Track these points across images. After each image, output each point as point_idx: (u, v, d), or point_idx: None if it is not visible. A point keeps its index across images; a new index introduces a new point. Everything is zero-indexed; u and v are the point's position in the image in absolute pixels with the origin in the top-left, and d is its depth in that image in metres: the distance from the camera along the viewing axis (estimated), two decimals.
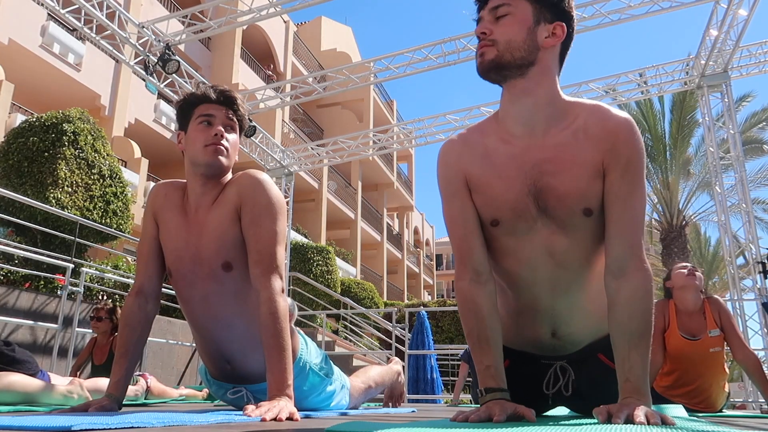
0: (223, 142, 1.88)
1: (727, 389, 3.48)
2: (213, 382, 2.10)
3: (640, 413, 1.15)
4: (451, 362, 12.75)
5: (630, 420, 1.15)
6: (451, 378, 12.22)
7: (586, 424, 1.16)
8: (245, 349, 1.94)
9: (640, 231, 1.43)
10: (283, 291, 1.79)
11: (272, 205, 1.84)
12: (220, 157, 1.87)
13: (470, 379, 6.87)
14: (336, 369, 2.29)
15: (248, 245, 1.83)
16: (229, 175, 1.97)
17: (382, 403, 3.11)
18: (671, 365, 3.35)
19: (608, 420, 1.18)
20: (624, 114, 1.45)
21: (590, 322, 1.61)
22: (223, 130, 1.89)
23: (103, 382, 3.20)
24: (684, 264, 3.45)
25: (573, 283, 1.54)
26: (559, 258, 1.49)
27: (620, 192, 1.41)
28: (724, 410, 3.49)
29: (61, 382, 2.94)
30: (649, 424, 1.12)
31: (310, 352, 2.14)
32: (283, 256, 1.85)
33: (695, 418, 2.25)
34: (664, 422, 1.13)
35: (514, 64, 1.40)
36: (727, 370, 3.46)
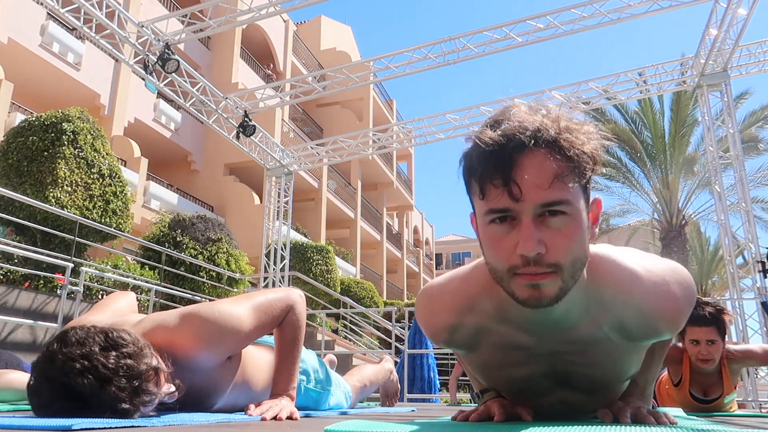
0: None
1: (734, 408, 3.39)
2: None
3: (644, 412, 1.15)
4: (451, 361, 12.76)
5: (637, 419, 1.15)
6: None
7: (591, 424, 1.16)
8: (233, 410, 1.81)
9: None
10: (295, 305, 1.71)
11: (234, 329, 1.52)
12: None
13: (466, 378, 6.87)
14: (334, 378, 2.28)
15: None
16: None
17: (380, 403, 3.11)
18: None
19: (614, 421, 1.18)
20: (674, 301, 1.13)
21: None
22: None
23: None
24: (698, 329, 2.79)
25: (591, 407, 1.37)
26: (577, 406, 1.36)
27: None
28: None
29: None
30: (657, 423, 1.12)
31: (309, 366, 2.13)
32: (268, 296, 1.68)
33: (695, 417, 2.25)
34: (669, 421, 1.14)
35: (573, 285, 1.04)
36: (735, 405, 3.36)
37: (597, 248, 1.16)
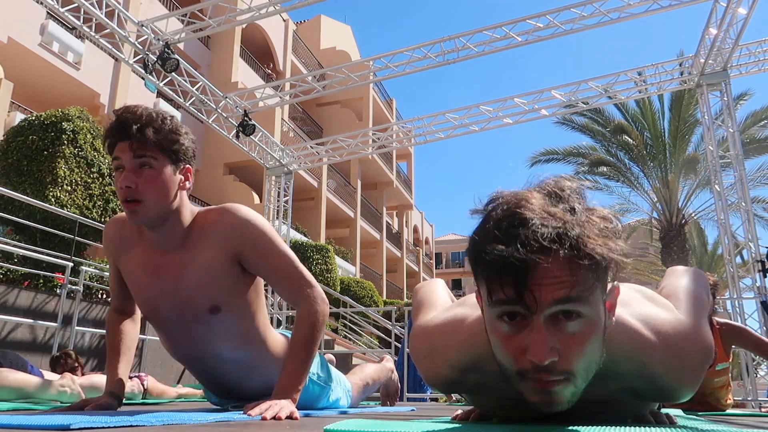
0: (134, 196, 1.60)
1: (731, 400, 3.43)
2: (213, 395, 2.10)
3: (645, 412, 1.15)
4: None
5: (637, 419, 1.15)
6: None
7: (590, 424, 1.16)
8: (242, 376, 1.90)
9: None
10: (323, 298, 1.80)
11: (268, 233, 1.77)
12: (135, 215, 1.63)
13: None
14: (335, 374, 2.28)
15: (271, 277, 1.80)
16: (189, 210, 1.76)
17: (380, 402, 3.11)
18: None
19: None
20: (692, 372, 1.10)
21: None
22: (130, 178, 1.59)
23: (99, 379, 3.20)
24: None
25: None
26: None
27: None
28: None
29: (54, 378, 2.95)
30: (658, 423, 1.12)
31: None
32: (305, 269, 1.81)
33: (694, 416, 2.25)
34: (669, 421, 1.14)
35: (586, 384, 0.99)
36: (731, 386, 3.41)
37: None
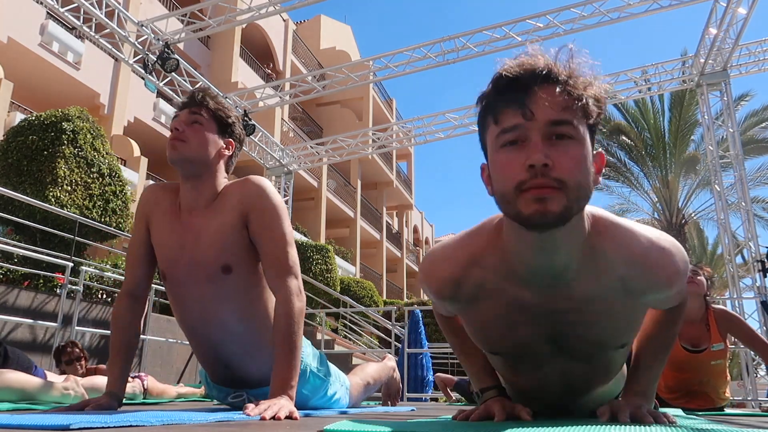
0: (179, 137, 1.84)
1: (728, 394, 3.46)
2: (213, 386, 2.10)
3: (644, 412, 1.15)
4: (450, 360, 12.78)
5: (636, 418, 1.15)
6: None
7: (590, 423, 1.16)
8: (244, 353, 1.93)
9: None
10: (300, 291, 1.81)
11: (278, 209, 1.87)
12: (175, 150, 1.83)
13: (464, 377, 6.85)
14: (333, 369, 2.28)
15: (262, 250, 1.85)
16: (223, 180, 1.95)
17: (380, 402, 3.11)
18: (670, 372, 3.31)
19: (612, 419, 1.18)
20: (671, 256, 1.18)
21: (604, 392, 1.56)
22: (181, 125, 1.85)
23: (100, 380, 3.19)
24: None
25: (588, 382, 1.46)
26: (575, 377, 1.40)
27: None
28: (725, 408, 3.49)
29: (56, 380, 2.94)
30: (657, 423, 1.12)
31: (309, 354, 2.14)
32: (296, 257, 1.86)
33: (694, 416, 2.25)
34: (669, 421, 1.14)
35: (578, 212, 1.10)
36: (728, 377, 3.44)
37: (597, 209, 1.21)
